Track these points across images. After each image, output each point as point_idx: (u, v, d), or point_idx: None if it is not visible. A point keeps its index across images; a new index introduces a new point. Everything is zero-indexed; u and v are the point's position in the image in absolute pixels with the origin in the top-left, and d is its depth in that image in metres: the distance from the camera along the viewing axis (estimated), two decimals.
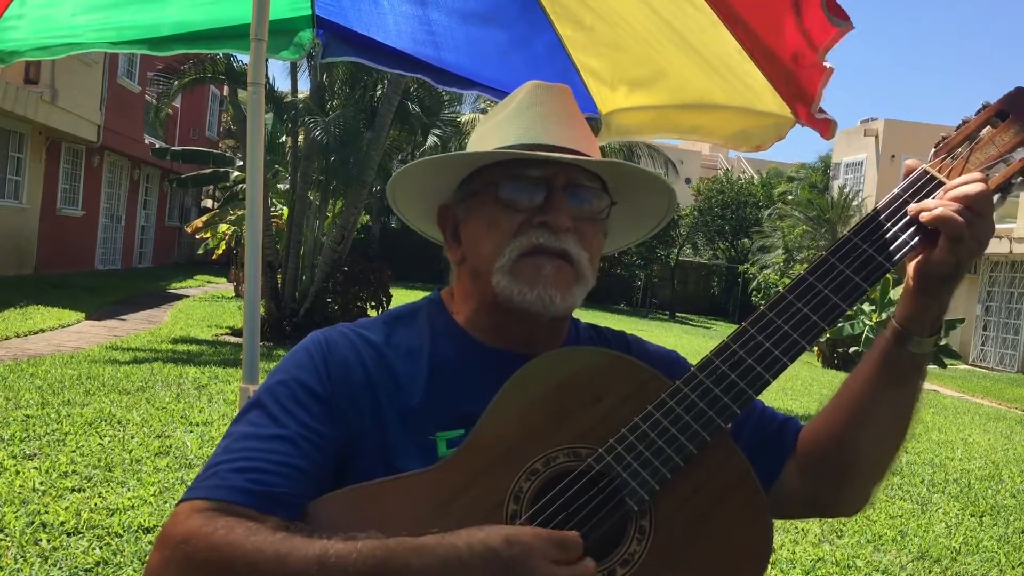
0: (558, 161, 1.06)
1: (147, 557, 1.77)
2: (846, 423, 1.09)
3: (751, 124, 2.26)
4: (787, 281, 1.00)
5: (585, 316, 1.24)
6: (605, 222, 1.13)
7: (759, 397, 1.00)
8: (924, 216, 0.98)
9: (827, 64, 1.86)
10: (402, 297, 12.72)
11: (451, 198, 1.16)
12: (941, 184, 1.02)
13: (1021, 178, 1.03)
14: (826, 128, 2.08)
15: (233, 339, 10.20)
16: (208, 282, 19.63)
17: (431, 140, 16.00)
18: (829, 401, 1.12)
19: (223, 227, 16.70)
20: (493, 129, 1.13)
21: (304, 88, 13.65)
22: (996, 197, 1.03)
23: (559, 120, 1.11)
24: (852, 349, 15.31)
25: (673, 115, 2.47)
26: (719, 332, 22.12)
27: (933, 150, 1.06)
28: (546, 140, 1.09)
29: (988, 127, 1.04)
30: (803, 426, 1.18)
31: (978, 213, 0.97)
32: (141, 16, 2.50)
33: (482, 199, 1.10)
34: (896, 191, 1.03)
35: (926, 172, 1.03)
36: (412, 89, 12.13)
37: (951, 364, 16.94)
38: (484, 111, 20.06)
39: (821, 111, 2.02)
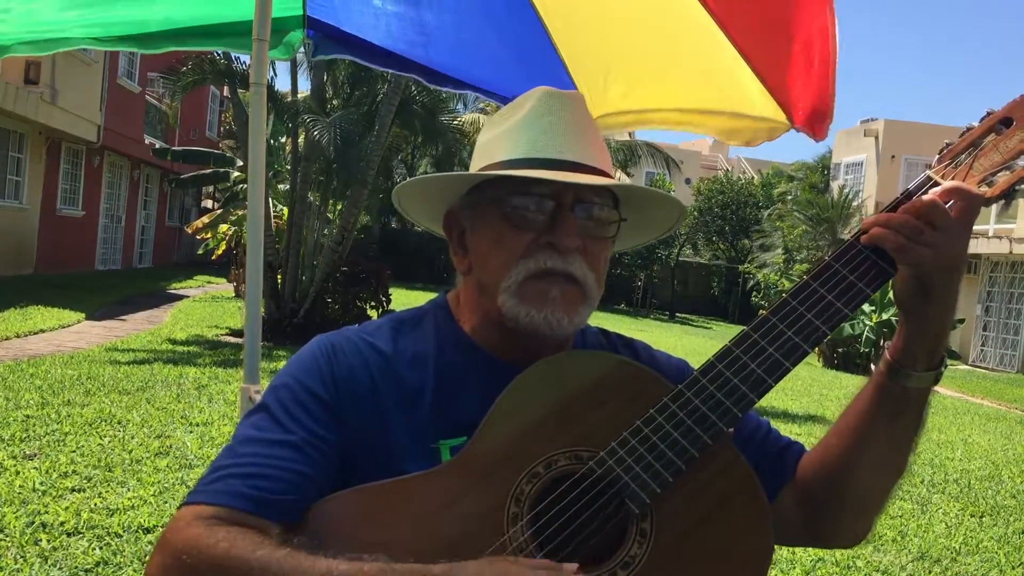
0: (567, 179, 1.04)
1: (147, 557, 1.76)
2: (840, 454, 1.08)
3: (743, 125, 2.26)
4: (787, 281, 0.98)
5: None
6: (614, 239, 1.12)
7: (762, 399, 1.00)
8: (863, 239, 1.00)
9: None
10: (402, 297, 12.72)
11: (457, 203, 1.14)
12: None
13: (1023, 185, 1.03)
14: (820, 131, 2.05)
15: (233, 339, 10.20)
16: (208, 282, 19.61)
17: (433, 151, 15.75)
18: (830, 429, 1.11)
19: (223, 227, 16.69)
20: (503, 137, 1.11)
21: (304, 88, 13.64)
22: (1000, 204, 1.03)
23: (571, 132, 1.09)
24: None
25: (665, 116, 2.46)
26: (719, 332, 22.12)
27: (937, 156, 1.06)
28: (557, 155, 1.07)
29: (992, 134, 1.04)
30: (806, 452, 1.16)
31: (927, 221, 0.96)
32: (130, 11, 2.48)
33: (489, 211, 1.08)
34: (899, 196, 1.03)
35: (929, 178, 1.04)
36: (413, 92, 12.10)
37: (951, 364, 16.94)
38: (483, 111, 19.97)
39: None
